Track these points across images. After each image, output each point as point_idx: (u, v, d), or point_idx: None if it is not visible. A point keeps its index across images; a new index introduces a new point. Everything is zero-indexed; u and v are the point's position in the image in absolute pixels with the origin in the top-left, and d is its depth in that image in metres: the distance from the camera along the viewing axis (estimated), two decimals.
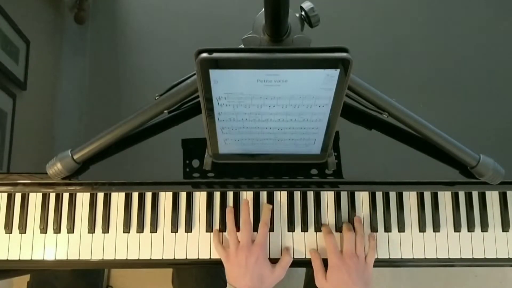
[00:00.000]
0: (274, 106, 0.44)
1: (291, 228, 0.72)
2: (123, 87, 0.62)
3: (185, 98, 0.54)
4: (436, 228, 0.72)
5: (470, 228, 0.72)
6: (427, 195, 0.73)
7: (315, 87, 0.41)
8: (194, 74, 0.52)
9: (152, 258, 0.72)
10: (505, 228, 0.73)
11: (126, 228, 0.72)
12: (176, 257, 0.72)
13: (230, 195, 0.73)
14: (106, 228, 0.72)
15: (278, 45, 0.48)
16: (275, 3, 0.41)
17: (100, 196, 0.73)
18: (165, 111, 0.55)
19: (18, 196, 0.74)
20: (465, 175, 0.59)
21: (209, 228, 0.72)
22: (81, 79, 0.62)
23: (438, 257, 0.72)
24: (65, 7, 0.66)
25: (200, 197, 0.73)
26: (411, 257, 0.72)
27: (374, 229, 0.72)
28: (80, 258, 0.72)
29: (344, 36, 0.64)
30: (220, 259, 0.70)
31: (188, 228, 0.72)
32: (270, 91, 0.41)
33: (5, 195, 0.74)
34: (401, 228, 0.72)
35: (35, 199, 0.74)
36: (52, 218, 0.73)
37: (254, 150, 0.53)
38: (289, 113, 0.45)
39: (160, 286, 1.23)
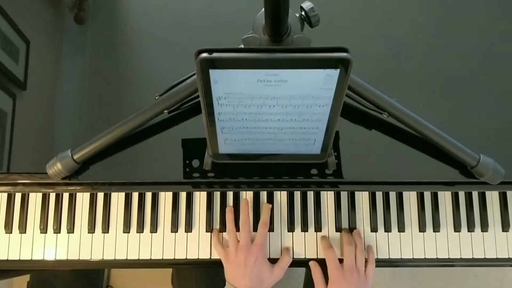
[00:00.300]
0: (274, 106, 0.44)
1: (291, 228, 0.72)
2: (123, 87, 0.62)
3: (185, 98, 0.54)
4: (436, 228, 0.72)
5: (470, 228, 0.72)
6: (427, 195, 0.73)
7: (315, 87, 0.41)
8: (194, 74, 0.52)
9: (152, 258, 0.72)
10: (505, 228, 0.73)
11: (126, 228, 0.72)
12: (176, 257, 0.72)
13: (230, 195, 0.73)
14: (106, 228, 0.72)
15: (278, 45, 0.48)
16: (275, 3, 0.41)
17: (100, 196, 0.73)
18: (165, 111, 0.55)
19: (18, 196, 0.74)
20: (465, 175, 0.59)
21: (209, 228, 0.72)
22: (81, 79, 0.62)
23: (438, 257, 0.72)
24: (65, 7, 0.66)
25: (200, 197, 0.73)
26: (411, 257, 0.72)
27: (374, 229, 0.72)
28: (80, 258, 0.72)
29: (344, 36, 0.64)
30: (220, 259, 0.70)
31: (188, 228, 0.72)
32: (270, 91, 0.41)
33: (5, 195, 0.74)
34: (401, 228, 0.72)
35: (35, 199, 0.74)
36: (52, 218, 0.73)
37: (254, 150, 0.53)
38: (289, 113, 0.45)
39: (160, 286, 1.23)
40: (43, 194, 0.74)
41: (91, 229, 0.72)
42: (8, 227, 0.72)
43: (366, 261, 0.69)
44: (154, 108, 0.55)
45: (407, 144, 0.60)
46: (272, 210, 0.72)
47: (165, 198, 0.73)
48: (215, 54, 0.38)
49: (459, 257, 0.72)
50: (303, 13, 0.49)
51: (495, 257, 0.72)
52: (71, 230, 0.72)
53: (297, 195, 0.73)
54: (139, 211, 0.72)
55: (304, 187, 0.63)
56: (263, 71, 0.39)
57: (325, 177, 0.59)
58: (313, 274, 0.70)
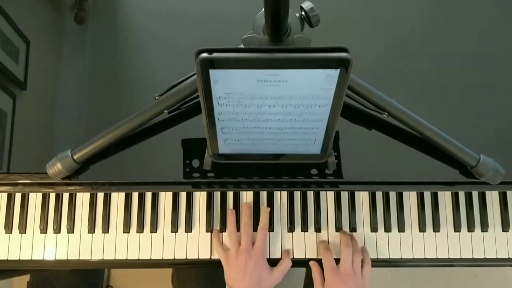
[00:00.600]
0: (274, 106, 0.44)
1: (291, 228, 0.72)
2: (123, 87, 0.62)
3: (185, 98, 0.54)
4: (436, 228, 0.72)
5: (470, 228, 0.72)
6: (427, 195, 0.73)
7: (315, 87, 0.41)
8: (194, 74, 0.52)
9: (152, 258, 0.72)
10: (505, 228, 0.73)
11: (126, 228, 0.72)
12: (176, 257, 0.72)
13: (230, 195, 0.73)
14: (106, 228, 0.72)
15: (278, 45, 0.48)
16: (275, 3, 0.41)
17: (100, 196, 0.73)
18: (165, 111, 0.55)
19: (18, 196, 0.74)
20: (465, 175, 0.59)
21: (209, 228, 0.72)
22: (81, 79, 0.62)
23: (438, 257, 0.72)
24: (65, 7, 0.66)
25: (200, 197, 0.73)
26: (411, 257, 0.72)
27: (374, 229, 0.72)
28: (80, 258, 0.72)
29: (344, 36, 0.64)
30: (220, 259, 0.70)
31: (188, 228, 0.72)
32: (270, 91, 0.41)
33: (5, 195, 0.74)
34: (401, 228, 0.72)
35: (35, 199, 0.74)
36: (52, 218, 0.73)
37: (254, 150, 0.53)
38: (289, 113, 0.45)
39: (160, 286, 1.23)
40: (43, 194, 0.74)
41: (91, 229, 0.72)
42: (8, 227, 0.72)
43: (362, 263, 0.69)
44: (154, 108, 0.55)
45: (407, 144, 0.60)
46: (272, 210, 0.72)
47: (165, 198, 0.73)
48: (215, 54, 0.38)
49: (459, 257, 0.72)
50: (303, 13, 0.49)
51: (495, 257, 0.72)
52: (71, 230, 0.72)
53: (297, 195, 0.73)
54: (139, 211, 0.72)
55: (304, 187, 0.63)
56: (263, 71, 0.39)
57: (325, 177, 0.59)
58: (313, 275, 0.70)
